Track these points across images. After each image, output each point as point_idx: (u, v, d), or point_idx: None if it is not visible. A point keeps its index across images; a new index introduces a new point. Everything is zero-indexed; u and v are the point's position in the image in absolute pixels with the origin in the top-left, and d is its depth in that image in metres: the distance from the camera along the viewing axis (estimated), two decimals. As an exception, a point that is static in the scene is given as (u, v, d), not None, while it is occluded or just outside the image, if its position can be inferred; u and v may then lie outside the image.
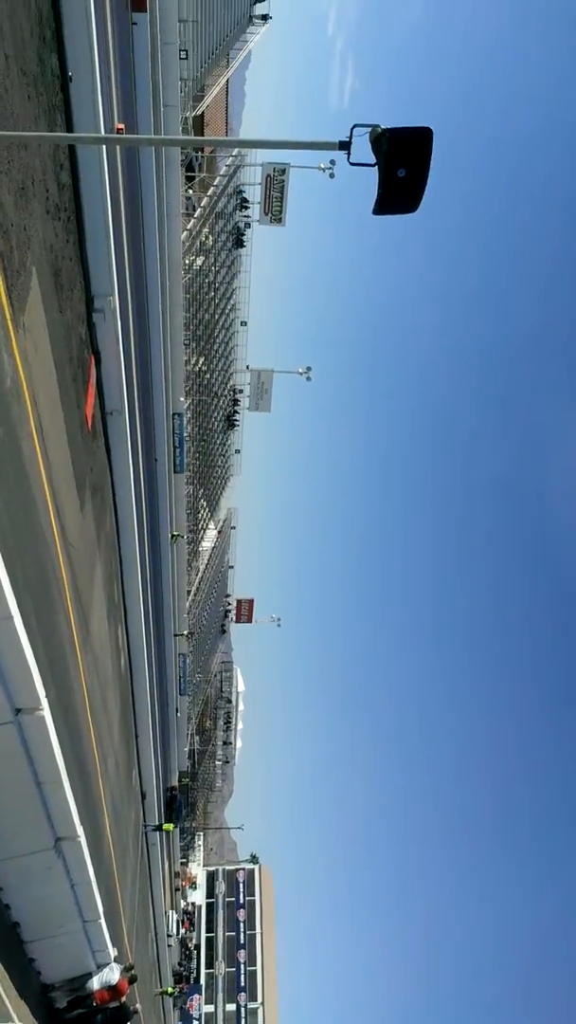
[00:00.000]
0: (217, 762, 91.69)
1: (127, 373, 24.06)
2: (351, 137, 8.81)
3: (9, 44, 13.31)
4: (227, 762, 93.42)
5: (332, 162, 41.36)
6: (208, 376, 48.32)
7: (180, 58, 31.83)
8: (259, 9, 45.51)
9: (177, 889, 66.73)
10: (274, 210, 45.11)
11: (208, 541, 61.82)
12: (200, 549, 58.71)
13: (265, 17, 45.94)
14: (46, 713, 11.14)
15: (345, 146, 8.87)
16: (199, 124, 41.09)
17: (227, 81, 45.24)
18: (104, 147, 18.35)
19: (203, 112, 40.65)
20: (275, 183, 44.63)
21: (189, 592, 51.55)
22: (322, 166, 41.60)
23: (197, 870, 79.84)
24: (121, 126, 21.77)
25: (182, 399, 37.92)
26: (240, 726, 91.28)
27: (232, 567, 74.80)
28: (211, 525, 62.59)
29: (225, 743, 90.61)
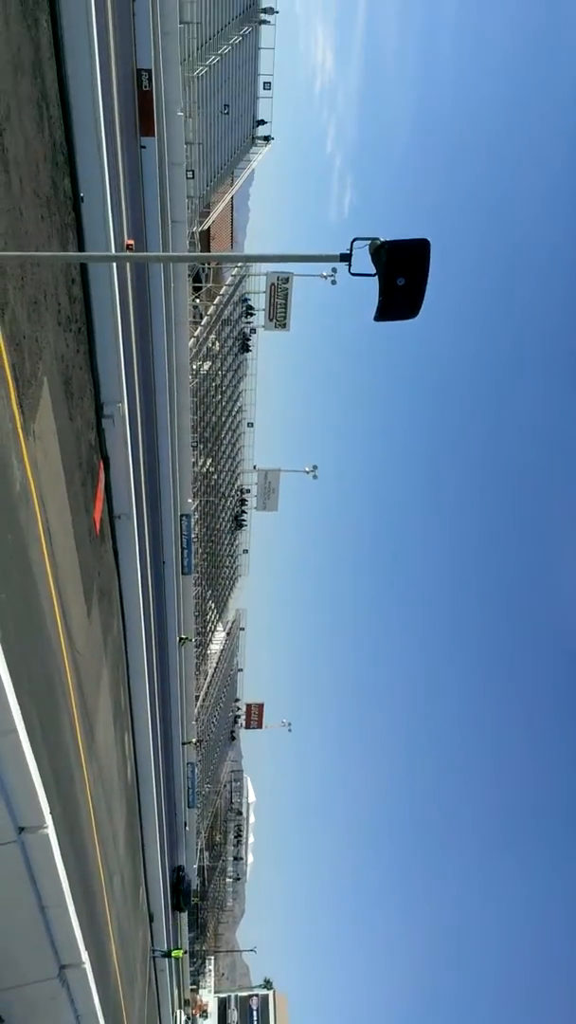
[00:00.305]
0: (228, 879, 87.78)
1: (135, 477, 24.42)
2: (351, 249, 9.22)
3: (24, 170, 14.14)
4: (238, 879, 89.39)
5: (333, 270, 43.11)
6: (215, 477, 48.98)
7: (187, 177, 33.65)
8: (261, 131, 48.47)
9: (188, 1019, 62.89)
10: (278, 316, 46.79)
11: (217, 643, 61.19)
12: (208, 652, 58.05)
13: (267, 138, 48.87)
14: (50, 831, 10.78)
15: (346, 258, 9.27)
16: (205, 238, 43.16)
17: (232, 198, 47.81)
18: (114, 263, 19.17)
19: (209, 227, 42.76)
20: (279, 291, 46.46)
21: (197, 697, 50.65)
22: (324, 274, 43.35)
23: (208, 997, 75.30)
24: (131, 242, 22.84)
25: (190, 500, 38.31)
26: (251, 840, 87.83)
27: (241, 670, 73.71)
28: (220, 627, 62.09)
29: (236, 858, 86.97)
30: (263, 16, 44.17)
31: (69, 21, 15.86)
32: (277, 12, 44.59)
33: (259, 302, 47.96)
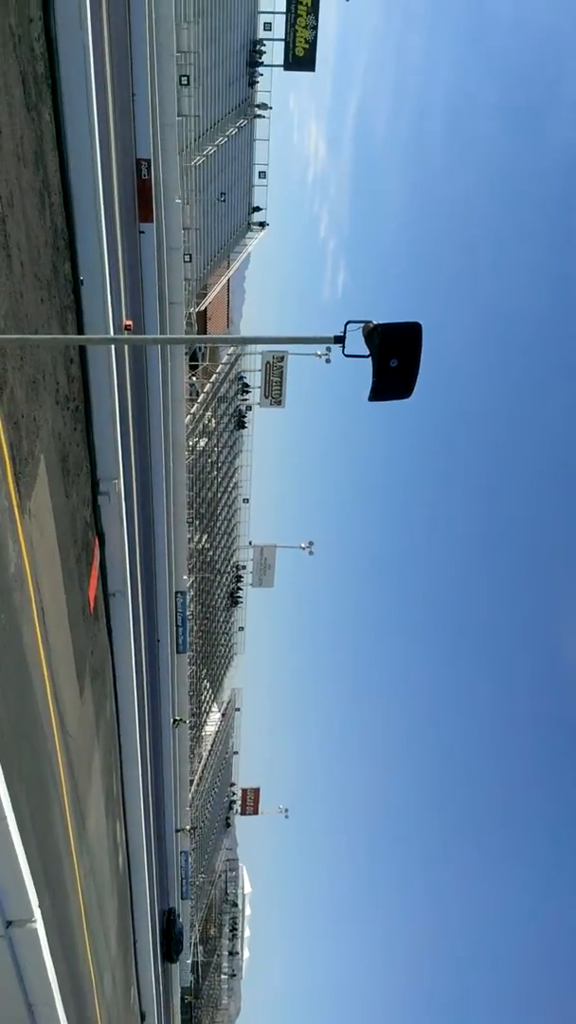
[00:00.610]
0: (223, 975, 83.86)
1: (131, 553, 24.37)
2: (345, 332, 9.48)
3: (26, 254, 14.56)
4: (233, 975, 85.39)
5: (328, 348, 44.08)
6: (211, 553, 48.94)
7: (184, 261, 34.71)
8: (257, 217, 50.27)
9: None
10: (274, 393, 47.59)
11: (211, 725, 60.03)
12: (203, 734, 56.91)
13: (263, 224, 50.64)
14: (39, 926, 10.34)
15: (340, 340, 9.52)
16: (202, 319, 44.23)
17: (228, 280, 49.25)
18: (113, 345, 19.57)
19: (206, 308, 43.90)
20: (274, 369, 47.37)
21: (192, 782, 49.40)
22: (319, 353, 44.25)
23: None
24: (129, 322, 23.37)
25: (185, 577, 38.16)
26: (247, 933, 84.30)
27: (237, 753, 72.13)
28: (214, 707, 61.04)
29: (231, 953, 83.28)
30: (258, 111, 46.34)
31: (71, 113, 16.56)
32: (271, 108, 46.83)
33: (255, 380, 48.89)
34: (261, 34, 44.94)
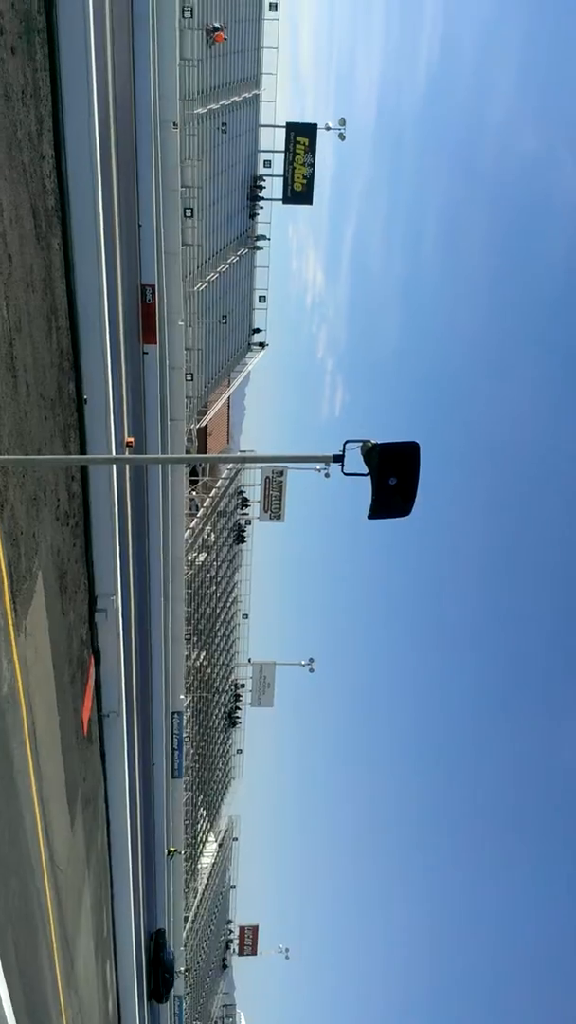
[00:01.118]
0: None
1: (126, 672, 23.96)
2: (344, 451, 9.66)
3: (32, 375, 15.00)
4: None
5: (327, 463, 44.75)
6: (209, 671, 48.12)
7: (186, 379, 35.74)
8: (257, 338, 52.10)
9: None
10: (273, 508, 48.05)
11: (208, 856, 57.36)
12: (199, 866, 54.32)
13: (262, 344, 52.43)
14: None
15: (339, 459, 9.70)
16: (203, 435, 45.16)
17: (228, 398, 50.58)
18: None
19: (207, 424, 44.89)
20: (274, 484, 48.04)
21: (186, 919, 46.76)
22: (318, 468, 44.94)
23: None
24: (131, 439, 23.85)
25: (182, 696, 37.38)
26: None
27: (234, 887, 68.66)
28: (211, 837, 58.49)
29: None
30: (257, 243, 48.80)
31: (79, 243, 17.43)
32: (269, 240, 49.37)
33: (254, 494, 49.45)
34: (261, 170, 47.82)
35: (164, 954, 37.56)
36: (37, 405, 15.38)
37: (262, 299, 51.38)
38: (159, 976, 37.16)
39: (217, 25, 37.77)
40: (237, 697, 55.72)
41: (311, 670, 55.76)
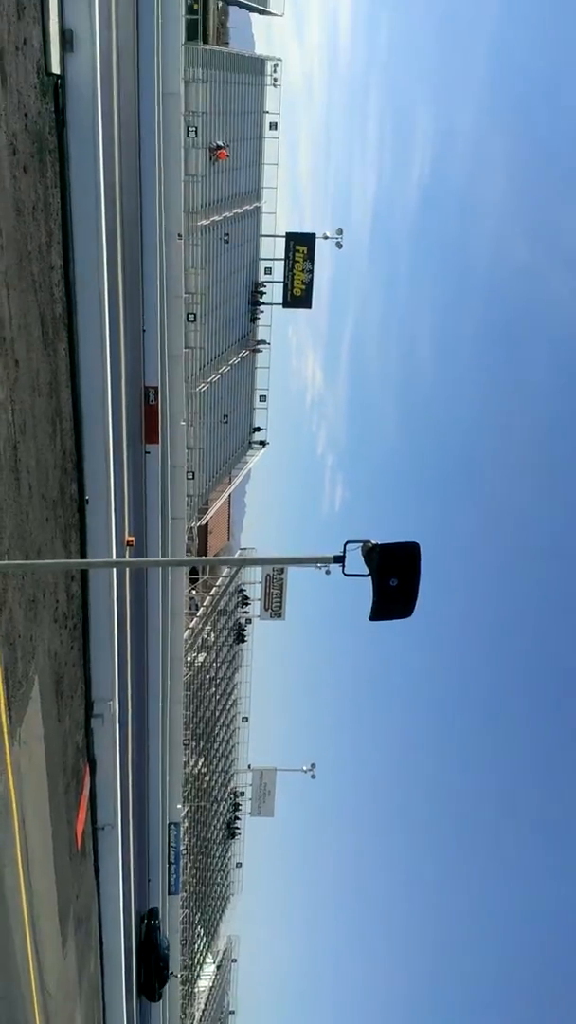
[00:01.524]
0: None
1: (122, 781, 23.27)
2: (344, 552, 9.66)
3: (35, 477, 15.14)
4: None
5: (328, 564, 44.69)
6: (208, 778, 46.76)
7: (187, 478, 36.12)
8: (258, 436, 53.00)
9: None
10: (274, 606, 47.75)
11: (206, 979, 54.38)
12: (196, 990, 51.40)
13: (263, 443, 53.29)
14: None
15: (339, 560, 9.69)
16: (203, 533, 45.35)
17: (229, 496, 51.02)
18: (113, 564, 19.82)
19: (207, 522, 45.13)
20: (275, 581, 47.89)
21: (182, 1051, 43.91)
22: (318, 564, 44.90)
23: None
24: (131, 539, 23.90)
25: (179, 806, 36.19)
26: None
27: (233, 1012, 64.84)
28: (209, 958, 55.58)
29: None
30: (258, 347, 50.23)
31: (85, 348, 17.90)
32: (269, 344, 50.80)
33: (255, 592, 49.21)
34: (262, 277, 49.67)
35: (156, 939, 32.71)
36: (39, 506, 15.47)
37: (263, 398, 52.50)
38: (151, 967, 32.38)
39: (220, 143, 39.92)
40: (236, 806, 53.99)
41: (313, 776, 54.24)
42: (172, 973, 35.91)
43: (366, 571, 9.63)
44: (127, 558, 23.42)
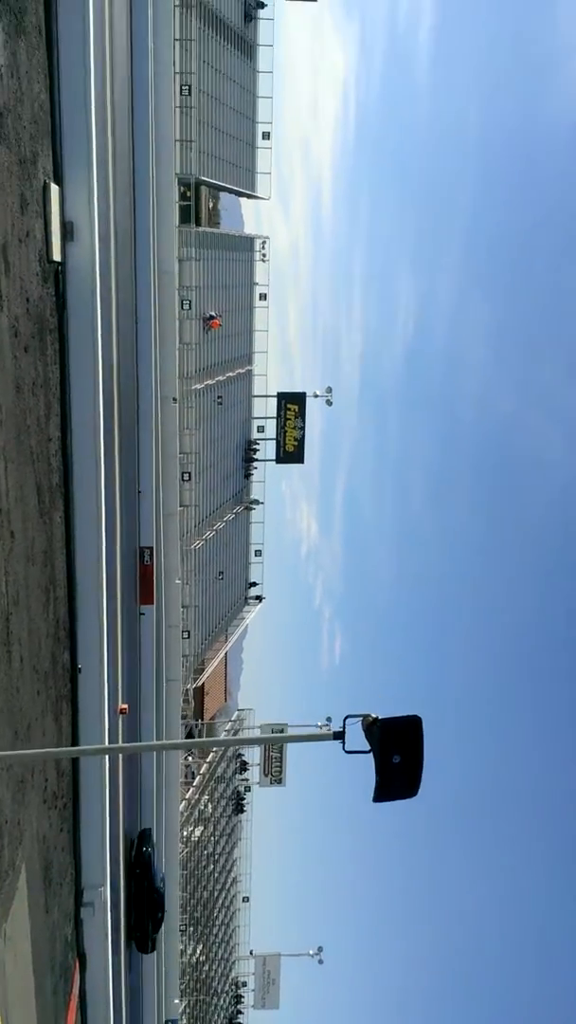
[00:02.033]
0: None
1: (115, 977, 21.64)
2: (344, 727, 9.42)
3: (26, 648, 14.97)
4: None
5: (328, 719, 43.58)
6: (207, 967, 43.53)
7: (182, 637, 35.83)
8: (254, 591, 53.04)
9: None
10: (274, 771, 46.07)
11: None
12: None
13: (259, 598, 53.27)
14: None
15: (339, 736, 9.42)
16: (200, 694, 44.48)
17: (226, 654, 50.42)
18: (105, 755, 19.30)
19: (203, 683, 44.34)
20: (274, 744, 46.45)
21: None
22: (320, 724, 43.73)
23: None
24: (124, 707, 23.40)
25: (176, 1001, 33.50)
26: None
27: None
28: None
29: None
30: (251, 505, 51.23)
31: (81, 515, 18.15)
32: (262, 503, 51.89)
33: (253, 756, 47.67)
34: (255, 435, 51.34)
35: (149, 869, 27.52)
36: (30, 679, 15.20)
37: (258, 553, 52.96)
38: (143, 906, 27.47)
39: (213, 314, 42.28)
40: (238, 999, 50.05)
41: (320, 961, 50.59)
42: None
43: (367, 747, 9.40)
44: (121, 729, 22.82)
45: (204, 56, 35.31)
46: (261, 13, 42.64)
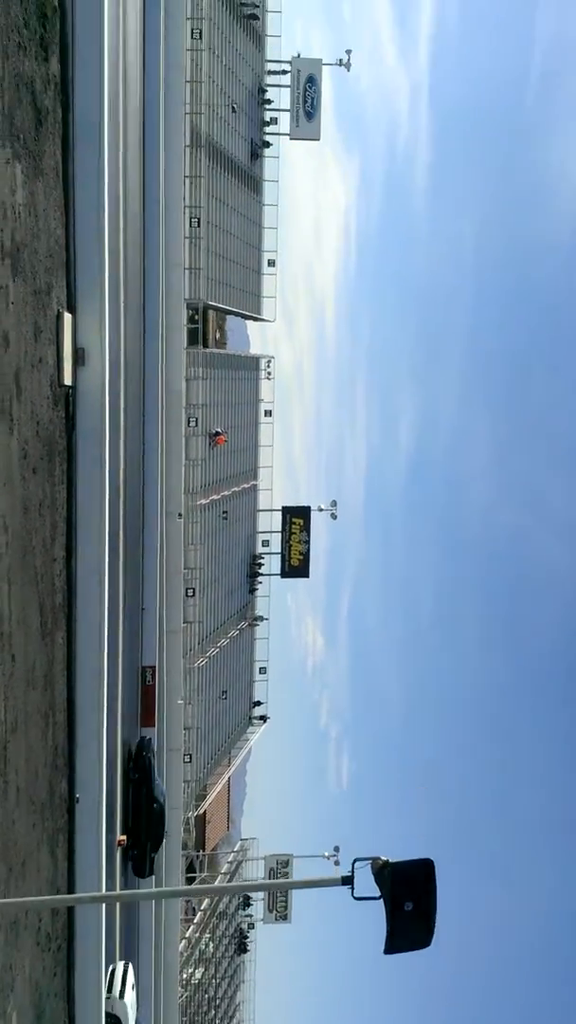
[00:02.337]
0: None
1: None
2: (353, 871, 8.99)
3: (23, 779, 14.56)
4: None
5: (336, 849, 41.85)
6: None
7: (184, 761, 34.85)
8: (258, 711, 51.91)
9: None
10: (279, 906, 43.92)
11: None
12: None
13: (264, 718, 52.08)
14: None
15: (348, 881, 8.99)
16: (201, 822, 42.96)
17: (229, 778, 48.95)
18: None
19: (205, 810, 42.87)
20: (279, 875, 44.43)
21: None
22: (327, 854, 41.90)
23: None
24: (123, 838, 22.65)
25: None
26: None
27: None
28: None
29: None
30: (255, 621, 50.89)
31: (83, 636, 18.01)
32: (267, 619, 51.51)
33: (258, 865, 45.50)
34: (260, 549, 51.49)
35: (148, 765, 25.32)
36: (26, 811, 14.74)
37: (262, 670, 52.23)
38: (140, 805, 24.60)
39: (219, 430, 43.18)
40: None
41: None
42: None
43: (377, 891, 8.96)
44: (119, 862, 21.95)
45: (213, 191, 37.36)
46: (267, 151, 45.43)
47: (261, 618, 51.09)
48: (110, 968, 20.46)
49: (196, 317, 36.19)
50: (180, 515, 32.11)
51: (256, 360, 50.20)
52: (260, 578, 51.67)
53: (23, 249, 14.05)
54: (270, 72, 45.26)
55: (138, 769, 25.24)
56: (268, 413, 51.88)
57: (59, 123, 15.49)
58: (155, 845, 25.50)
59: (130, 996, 21.30)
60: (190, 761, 36.66)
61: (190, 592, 38.50)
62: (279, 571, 50.35)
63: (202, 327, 37.05)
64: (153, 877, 26.11)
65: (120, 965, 21.73)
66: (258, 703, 52.03)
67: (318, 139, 46.45)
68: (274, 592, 52.62)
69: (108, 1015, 19.51)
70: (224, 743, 45.51)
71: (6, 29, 12.58)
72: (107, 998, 19.44)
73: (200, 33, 33.59)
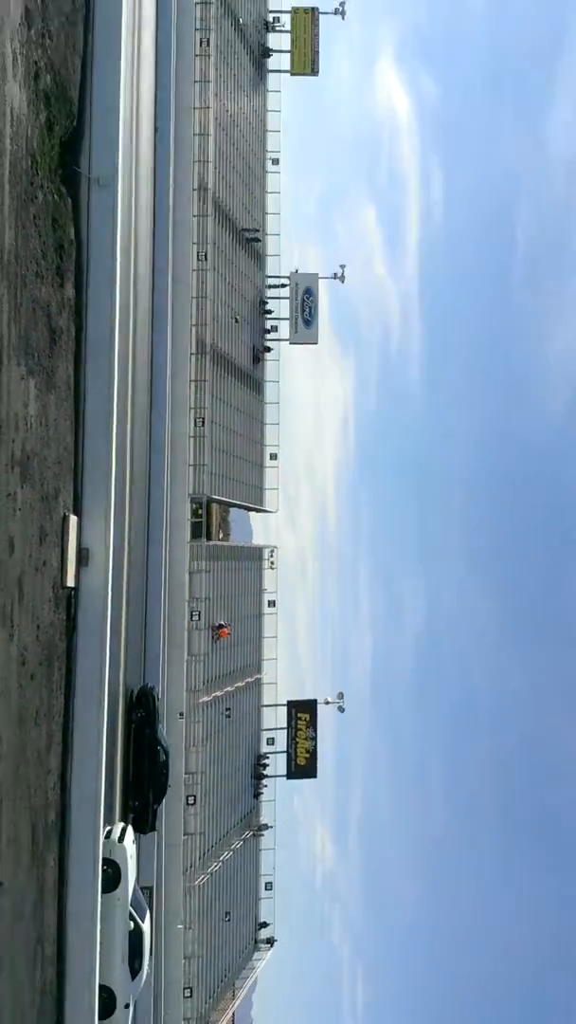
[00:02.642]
0: None
1: None
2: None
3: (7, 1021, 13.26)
4: None
5: None
6: None
7: (184, 996, 31.98)
8: (264, 934, 48.00)
9: None
10: None
11: None
12: None
13: (270, 941, 48.01)
14: None
15: None
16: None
17: (233, 1014, 44.49)
18: None
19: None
20: None
21: None
22: None
23: None
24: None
25: None
26: None
27: None
28: None
29: None
30: (261, 831, 48.25)
31: (75, 863, 17.00)
32: (272, 826, 48.86)
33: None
34: (265, 748, 49.73)
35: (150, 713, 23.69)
36: None
37: (268, 886, 49.00)
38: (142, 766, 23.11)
39: (222, 623, 42.96)
40: None
41: None
42: None
43: None
44: None
45: (216, 392, 39.27)
46: (268, 356, 48.30)
47: (266, 826, 48.56)
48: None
49: (200, 511, 36.94)
50: (181, 714, 31.34)
51: (259, 551, 50.84)
52: (265, 782, 49.63)
53: (33, 458, 14.54)
54: (270, 286, 48.97)
55: (141, 705, 24.37)
56: (272, 603, 51.80)
57: (72, 341, 16.50)
58: (158, 796, 24.72)
59: (131, 846, 20.34)
60: (191, 996, 33.52)
61: (191, 800, 36.75)
62: (285, 772, 48.51)
63: (205, 520, 37.78)
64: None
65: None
66: (264, 924, 48.48)
67: (316, 343, 49.59)
68: (280, 795, 50.34)
69: (106, 860, 18.47)
70: (227, 972, 41.95)
71: (25, 260, 13.66)
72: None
73: (205, 255, 36.49)
